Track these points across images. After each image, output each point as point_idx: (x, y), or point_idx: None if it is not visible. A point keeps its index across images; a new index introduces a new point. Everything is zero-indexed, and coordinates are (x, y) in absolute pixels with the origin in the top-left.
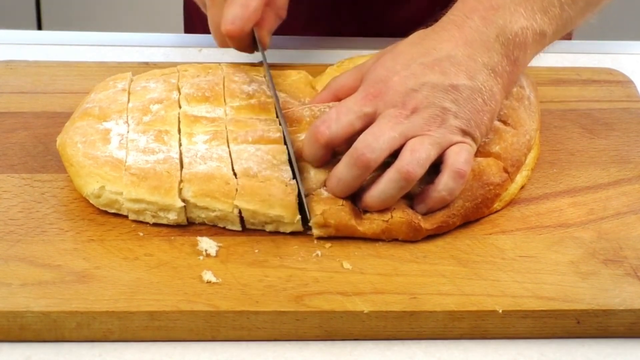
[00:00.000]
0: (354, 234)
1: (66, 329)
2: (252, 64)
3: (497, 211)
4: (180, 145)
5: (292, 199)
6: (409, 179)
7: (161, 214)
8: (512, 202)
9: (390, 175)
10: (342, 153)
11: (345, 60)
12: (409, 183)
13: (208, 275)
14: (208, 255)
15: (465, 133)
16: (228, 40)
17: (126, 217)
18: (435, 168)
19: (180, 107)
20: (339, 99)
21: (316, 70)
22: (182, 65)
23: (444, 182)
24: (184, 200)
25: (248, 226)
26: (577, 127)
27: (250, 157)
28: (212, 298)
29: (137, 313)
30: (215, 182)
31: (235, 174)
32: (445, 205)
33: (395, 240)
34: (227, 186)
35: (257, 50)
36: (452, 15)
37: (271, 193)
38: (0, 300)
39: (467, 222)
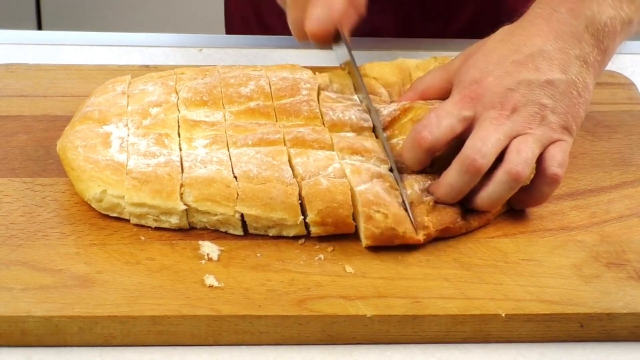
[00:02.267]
0: (350, 230)
1: (68, 334)
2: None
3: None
4: (180, 149)
5: (294, 200)
6: (519, 180)
7: (163, 217)
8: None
9: (499, 177)
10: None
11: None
12: (518, 183)
13: (210, 280)
14: (210, 259)
15: (563, 128)
16: (311, 39)
17: (128, 221)
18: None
19: (179, 111)
20: (424, 100)
21: (321, 72)
22: (179, 69)
23: (538, 190)
24: (185, 205)
25: (251, 231)
26: (580, 130)
27: (250, 160)
28: (215, 302)
29: (139, 318)
30: (216, 186)
31: (235, 178)
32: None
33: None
34: (227, 189)
35: (335, 46)
36: (538, 9)
37: (272, 196)
38: (2, 305)
39: None
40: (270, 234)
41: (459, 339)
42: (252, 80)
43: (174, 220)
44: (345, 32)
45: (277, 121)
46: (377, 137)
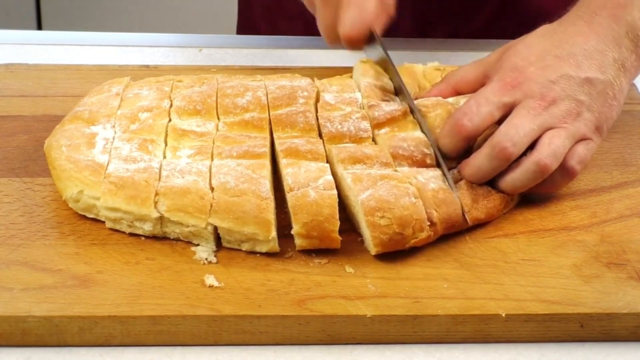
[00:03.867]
0: (336, 245)
1: (68, 334)
2: (250, 68)
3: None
4: (164, 157)
5: (267, 215)
6: (545, 172)
7: (137, 224)
8: (514, 205)
9: (527, 165)
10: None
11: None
12: (544, 175)
13: (210, 280)
14: (210, 262)
15: (596, 127)
16: (344, 43)
17: None
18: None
19: (170, 119)
20: (457, 92)
21: (321, 73)
22: (177, 76)
23: (552, 178)
24: (159, 213)
25: (224, 244)
26: None
27: (229, 172)
28: (215, 302)
29: (140, 318)
30: (190, 197)
31: (213, 189)
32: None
33: None
34: (201, 201)
35: (367, 47)
36: (579, 12)
37: (245, 210)
38: (2, 305)
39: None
40: (243, 249)
41: (459, 339)
42: (250, 91)
43: (147, 228)
44: (378, 32)
45: (272, 133)
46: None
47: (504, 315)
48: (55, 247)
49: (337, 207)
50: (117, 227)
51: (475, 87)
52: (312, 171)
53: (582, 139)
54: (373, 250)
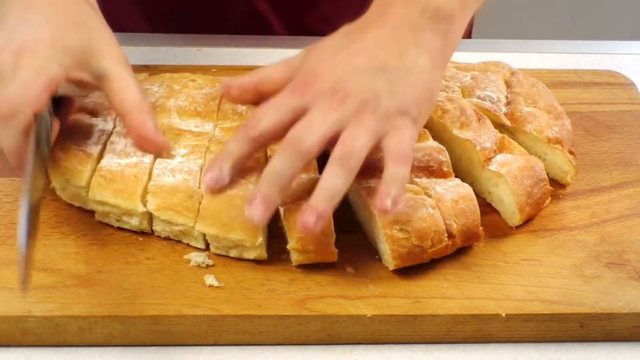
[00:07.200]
0: (333, 259)
1: (68, 334)
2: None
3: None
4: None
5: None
6: (349, 169)
7: (125, 218)
8: None
9: (329, 169)
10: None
11: None
12: (351, 173)
13: (210, 279)
14: (207, 266)
15: (401, 114)
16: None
17: None
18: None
19: (170, 118)
20: (259, 92)
21: None
22: (191, 74)
23: (390, 174)
24: (146, 209)
25: (213, 250)
26: (580, 130)
27: None
28: (215, 302)
29: (139, 317)
30: (179, 196)
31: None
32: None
33: None
34: (189, 200)
35: None
36: (374, 7)
37: (232, 216)
38: (2, 304)
39: None
40: (232, 255)
41: (459, 339)
42: None
43: (134, 222)
44: None
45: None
46: None
47: (504, 315)
48: (55, 247)
49: (332, 220)
50: (106, 220)
51: (276, 88)
52: (304, 183)
53: (386, 131)
54: (391, 265)
